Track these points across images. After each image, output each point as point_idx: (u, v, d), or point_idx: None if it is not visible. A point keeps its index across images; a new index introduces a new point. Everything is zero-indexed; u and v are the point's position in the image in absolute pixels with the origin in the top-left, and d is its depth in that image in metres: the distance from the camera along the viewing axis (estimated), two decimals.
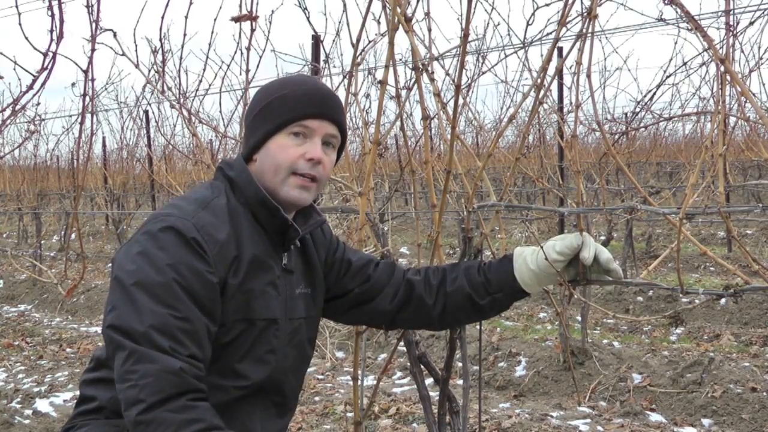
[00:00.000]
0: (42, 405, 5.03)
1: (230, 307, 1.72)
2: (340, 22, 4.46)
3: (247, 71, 3.36)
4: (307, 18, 3.32)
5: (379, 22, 2.62)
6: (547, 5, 2.95)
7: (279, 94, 1.82)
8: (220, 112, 10.77)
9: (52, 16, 2.90)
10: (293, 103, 1.80)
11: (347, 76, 2.57)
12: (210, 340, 1.67)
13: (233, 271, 1.72)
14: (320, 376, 5.48)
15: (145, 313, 1.58)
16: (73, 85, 3.95)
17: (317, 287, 1.98)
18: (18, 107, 3.19)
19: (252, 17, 3.02)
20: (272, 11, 3.75)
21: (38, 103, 3.85)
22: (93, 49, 3.18)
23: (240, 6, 3.06)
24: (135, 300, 1.60)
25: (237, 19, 3.07)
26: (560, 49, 4.86)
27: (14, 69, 3.14)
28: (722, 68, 1.70)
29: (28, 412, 4.94)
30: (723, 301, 6.68)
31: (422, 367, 2.34)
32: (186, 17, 3.51)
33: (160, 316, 1.58)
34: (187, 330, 1.60)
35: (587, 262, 1.86)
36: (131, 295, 1.60)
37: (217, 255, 1.69)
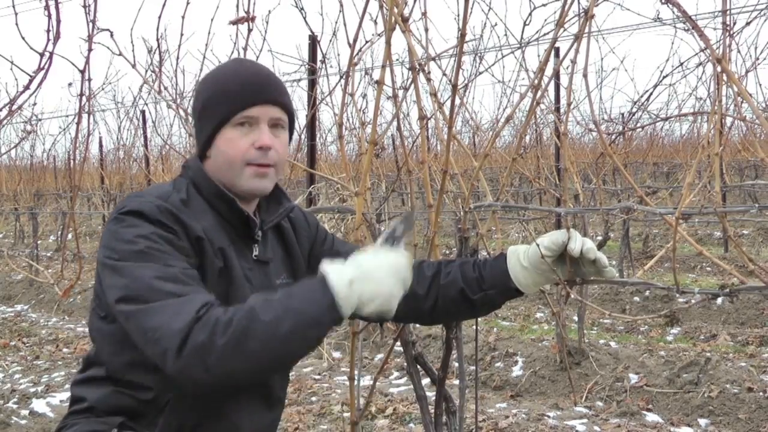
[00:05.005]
0: (39, 405, 5.02)
1: (213, 294, 1.71)
2: (336, 23, 4.45)
3: None
4: (304, 18, 3.33)
5: (376, 23, 2.62)
6: (544, 5, 2.96)
7: (216, 87, 1.82)
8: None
9: (49, 16, 2.90)
10: (233, 95, 1.79)
11: (344, 77, 2.57)
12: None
13: (212, 253, 1.72)
14: (317, 376, 5.48)
15: (143, 271, 1.57)
16: (69, 84, 3.96)
17: (299, 277, 1.96)
18: (15, 107, 3.19)
19: (249, 18, 3.02)
20: (269, 11, 3.75)
21: (35, 103, 3.86)
22: (90, 49, 3.18)
23: (237, 6, 3.07)
24: (127, 269, 1.58)
25: (235, 23, 3.07)
26: (557, 50, 4.88)
27: (11, 69, 3.14)
28: (719, 68, 1.70)
29: (25, 412, 4.93)
30: (719, 301, 6.69)
31: (419, 367, 2.34)
32: (183, 17, 3.52)
33: (157, 269, 1.57)
34: (187, 273, 1.60)
35: (574, 253, 1.87)
36: (122, 269, 1.59)
37: (184, 234, 1.68)
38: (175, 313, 1.50)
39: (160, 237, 1.63)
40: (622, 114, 8.62)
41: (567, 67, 1.98)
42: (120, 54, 3.52)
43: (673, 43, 6.67)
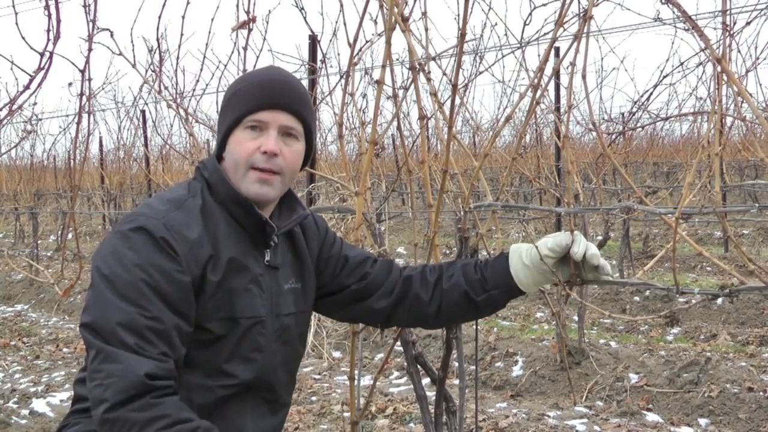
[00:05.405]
0: (39, 405, 5.02)
1: (211, 306, 1.72)
2: (336, 22, 4.46)
3: (244, 71, 3.36)
4: (304, 18, 3.32)
5: (376, 22, 2.62)
6: (544, 5, 2.96)
7: (235, 89, 1.84)
8: (218, 112, 10.76)
9: (49, 15, 2.91)
10: (246, 97, 1.80)
11: (344, 76, 2.57)
12: (183, 340, 1.67)
13: (211, 269, 1.71)
14: (317, 376, 5.48)
15: (113, 311, 1.60)
16: (69, 84, 3.96)
17: (307, 282, 1.97)
18: (15, 107, 3.19)
19: (250, 19, 3.02)
20: (269, 11, 3.75)
21: (35, 103, 3.86)
22: (90, 49, 3.19)
23: (237, 6, 3.07)
24: (104, 299, 1.62)
25: (237, 28, 3.07)
26: (557, 49, 4.87)
27: (11, 68, 3.14)
28: (719, 68, 1.70)
29: (25, 412, 4.93)
30: (719, 301, 6.68)
31: (419, 367, 2.34)
32: (183, 17, 3.51)
33: (128, 314, 1.60)
34: (155, 328, 1.61)
35: (577, 258, 1.87)
36: (101, 294, 1.63)
37: (189, 254, 1.68)
38: (126, 370, 1.55)
39: (157, 269, 1.64)
40: (622, 114, 8.63)
41: (567, 67, 1.98)
42: (120, 54, 3.52)
43: (673, 43, 6.69)
